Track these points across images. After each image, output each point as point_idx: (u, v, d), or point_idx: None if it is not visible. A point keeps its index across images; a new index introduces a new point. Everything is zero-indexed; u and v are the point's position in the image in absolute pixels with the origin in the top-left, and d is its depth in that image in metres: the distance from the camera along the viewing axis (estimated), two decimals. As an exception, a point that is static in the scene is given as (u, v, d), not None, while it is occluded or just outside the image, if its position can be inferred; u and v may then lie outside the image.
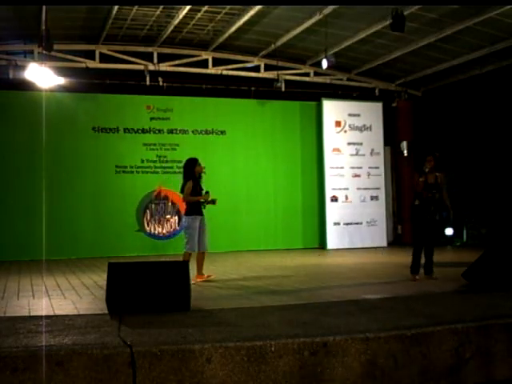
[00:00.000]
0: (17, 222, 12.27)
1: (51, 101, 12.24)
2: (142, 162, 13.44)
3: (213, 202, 8.22)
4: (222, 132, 14.08)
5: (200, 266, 8.09)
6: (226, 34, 12.34)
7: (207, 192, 8.24)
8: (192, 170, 8.27)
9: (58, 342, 3.96)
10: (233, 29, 11.96)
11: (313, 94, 14.68)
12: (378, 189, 14.88)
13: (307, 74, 14.46)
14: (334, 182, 14.49)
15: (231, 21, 11.74)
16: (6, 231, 12.13)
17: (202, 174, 8.44)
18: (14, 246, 12.05)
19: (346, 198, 14.57)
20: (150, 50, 13.22)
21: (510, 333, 4.52)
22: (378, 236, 14.63)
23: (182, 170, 8.63)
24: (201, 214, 8.19)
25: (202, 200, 8.22)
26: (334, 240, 14.25)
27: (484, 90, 13.85)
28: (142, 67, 13.26)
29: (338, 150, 14.60)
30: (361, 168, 14.69)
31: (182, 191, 8.34)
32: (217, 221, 13.07)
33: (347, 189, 14.56)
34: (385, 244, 14.65)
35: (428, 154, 8.13)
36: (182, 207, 9.89)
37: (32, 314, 5.45)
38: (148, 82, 13.30)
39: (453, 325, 4.42)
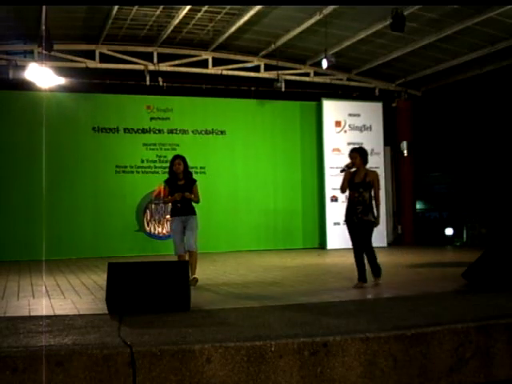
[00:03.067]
0: (17, 222, 12.28)
1: (51, 101, 12.24)
2: (142, 162, 13.45)
3: (180, 199, 7.65)
4: (222, 132, 14.08)
5: (193, 267, 7.56)
6: (226, 34, 12.34)
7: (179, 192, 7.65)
8: (169, 170, 7.91)
9: (57, 342, 3.96)
10: (233, 29, 11.97)
11: (313, 94, 14.69)
12: (378, 189, 14.85)
13: (307, 74, 14.47)
14: (334, 182, 14.43)
15: (231, 21, 11.75)
16: (6, 231, 12.14)
17: (178, 172, 7.75)
18: (13, 246, 12.06)
19: (346, 198, 14.54)
20: (150, 49, 13.22)
21: (510, 333, 4.51)
22: (377, 236, 14.38)
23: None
24: (177, 214, 7.75)
25: (167, 200, 7.89)
26: (334, 240, 14.23)
27: (484, 90, 13.86)
28: (142, 67, 13.27)
29: (337, 149, 14.60)
30: (361, 168, 14.67)
31: None
32: (217, 221, 13.14)
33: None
34: (385, 244, 14.64)
35: (355, 149, 7.45)
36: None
37: (32, 314, 5.44)
38: (148, 82, 13.31)
39: (453, 325, 4.41)
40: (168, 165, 13.57)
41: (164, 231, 13.46)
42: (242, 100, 14.23)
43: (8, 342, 3.94)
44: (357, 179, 7.20)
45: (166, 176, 8.15)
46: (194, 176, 8.18)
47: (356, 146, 7.55)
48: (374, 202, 7.19)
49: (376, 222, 7.12)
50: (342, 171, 7.42)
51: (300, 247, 14.24)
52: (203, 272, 8.74)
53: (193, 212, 7.78)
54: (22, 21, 11.20)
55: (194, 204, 7.83)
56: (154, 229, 13.47)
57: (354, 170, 7.26)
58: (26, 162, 12.40)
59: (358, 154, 7.27)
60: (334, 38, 12.18)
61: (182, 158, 7.85)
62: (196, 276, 7.57)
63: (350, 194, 7.29)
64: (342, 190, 7.43)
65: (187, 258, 7.60)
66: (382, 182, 14.83)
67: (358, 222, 7.13)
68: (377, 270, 7.20)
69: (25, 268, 10.24)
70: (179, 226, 7.71)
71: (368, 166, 15.44)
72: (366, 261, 7.21)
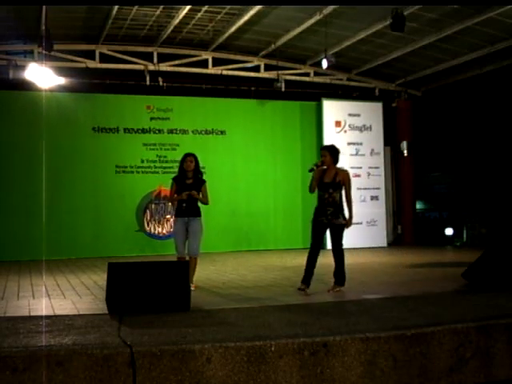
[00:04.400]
0: (17, 222, 12.26)
1: (51, 101, 12.23)
2: (142, 162, 13.45)
3: (187, 198, 7.33)
4: (222, 132, 14.08)
5: (191, 273, 7.00)
6: (226, 34, 12.34)
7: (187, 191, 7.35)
8: (180, 168, 7.61)
9: (57, 342, 3.96)
10: (233, 29, 11.96)
11: (313, 94, 14.68)
12: (378, 189, 14.88)
13: (307, 74, 14.46)
14: (333, 182, 14.47)
15: (231, 21, 11.74)
16: (5, 231, 12.14)
17: (188, 170, 7.48)
18: (13, 246, 12.05)
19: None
20: (150, 49, 13.22)
21: (510, 333, 4.51)
22: (378, 236, 14.62)
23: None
24: (181, 215, 7.40)
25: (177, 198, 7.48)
26: (334, 240, 14.23)
27: (484, 90, 13.86)
28: (142, 67, 13.26)
29: (337, 150, 14.59)
30: (361, 168, 14.68)
31: None
32: (217, 221, 13.12)
33: (347, 189, 14.54)
34: (385, 244, 14.65)
35: (325, 147, 7.05)
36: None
37: (32, 314, 5.45)
38: (148, 82, 13.30)
39: (453, 325, 4.41)
40: (168, 165, 13.65)
41: (164, 231, 13.46)
42: (241, 100, 14.22)
43: (8, 342, 3.94)
44: (326, 179, 6.85)
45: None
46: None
47: (327, 144, 7.15)
48: (344, 203, 6.89)
49: (348, 224, 6.83)
50: (310, 171, 7.09)
51: (300, 247, 14.20)
52: (203, 272, 8.75)
53: (197, 213, 7.44)
54: (22, 21, 11.20)
55: (199, 205, 7.52)
56: (154, 229, 13.47)
57: (324, 167, 6.92)
58: (26, 162, 12.39)
59: (328, 153, 6.89)
60: (334, 38, 12.17)
61: (194, 157, 7.55)
62: (193, 284, 7.07)
63: (319, 195, 6.93)
64: (311, 189, 7.01)
65: (187, 258, 7.34)
66: (382, 182, 14.99)
67: (328, 223, 6.80)
68: (342, 277, 6.86)
69: (25, 268, 10.24)
70: (181, 228, 7.39)
71: (367, 165, 15.24)
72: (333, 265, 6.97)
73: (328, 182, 6.83)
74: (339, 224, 6.80)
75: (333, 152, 6.94)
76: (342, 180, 6.84)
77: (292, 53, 13.66)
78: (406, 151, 15.48)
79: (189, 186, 7.41)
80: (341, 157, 15.53)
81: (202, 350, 3.84)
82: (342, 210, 6.86)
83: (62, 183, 12.68)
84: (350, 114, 14.75)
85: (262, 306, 5.69)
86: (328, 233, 6.96)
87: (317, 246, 6.87)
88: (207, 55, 13.55)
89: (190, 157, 7.53)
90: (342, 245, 6.88)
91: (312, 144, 14.69)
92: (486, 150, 14.26)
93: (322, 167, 6.92)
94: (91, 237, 12.86)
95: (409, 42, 12.41)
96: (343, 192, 6.91)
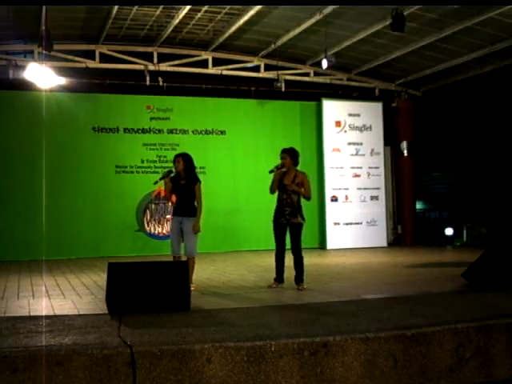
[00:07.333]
0: (17, 222, 12.26)
1: (51, 101, 12.24)
2: (142, 162, 13.45)
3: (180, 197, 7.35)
4: (222, 132, 14.09)
5: (189, 272, 6.85)
6: (226, 34, 12.34)
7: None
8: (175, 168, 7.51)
9: (57, 342, 3.96)
10: (233, 29, 11.96)
11: (313, 94, 14.68)
12: (377, 189, 14.88)
13: (307, 74, 14.46)
14: (334, 182, 14.49)
15: (231, 21, 11.75)
16: (5, 231, 12.13)
17: (178, 171, 7.42)
18: (14, 246, 12.05)
19: (346, 197, 14.57)
20: (150, 49, 13.22)
21: (510, 333, 4.51)
22: (378, 236, 14.63)
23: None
24: (174, 213, 7.37)
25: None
26: (334, 240, 14.25)
27: (484, 90, 13.88)
28: (142, 67, 13.26)
29: (337, 149, 14.61)
30: (361, 168, 14.69)
31: None
32: (216, 221, 13.13)
33: (347, 189, 14.56)
34: (385, 244, 14.65)
35: (285, 150, 7.27)
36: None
37: (32, 314, 5.45)
38: (148, 82, 13.29)
39: (453, 325, 4.41)
40: (168, 165, 13.54)
41: (164, 231, 13.46)
42: (241, 100, 14.22)
43: (8, 342, 3.95)
44: (286, 181, 7.15)
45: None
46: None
47: (287, 147, 7.38)
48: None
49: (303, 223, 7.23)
50: (270, 172, 7.29)
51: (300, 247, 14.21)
52: (203, 272, 8.75)
53: (190, 214, 7.26)
54: (22, 21, 11.20)
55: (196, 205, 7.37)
56: (154, 229, 13.47)
57: (284, 170, 7.19)
58: (26, 162, 12.39)
59: (288, 155, 7.19)
60: (334, 38, 12.17)
61: (183, 156, 7.40)
62: (193, 284, 6.95)
63: (279, 195, 7.23)
64: (271, 190, 7.27)
65: (183, 259, 7.20)
66: (382, 182, 15.00)
67: (287, 223, 7.18)
68: (301, 275, 7.16)
69: (25, 268, 10.24)
70: (176, 227, 7.31)
71: (367, 165, 15.39)
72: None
73: (288, 184, 7.13)
74: (297, 223, 7.17)
75: (293, 155, 7.24)
76: (301, 182, 7.17)
77: (292, 53, 13.66)
78: (405, 151, 15.49)
79: (182, 187, 7.33)
80: (340, 157, 15.59)
81: (202, 349, 3.84)
82: (300, 209, 7.21)
83: (61, 183, 12.67)
84: (350, 114, 14.75)
85: (262, 306, 5.69)
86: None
87: (281, 246, 7.34)
88: (207, 55, 13.54)
89: (177, 158, 7.43)
90: (300, 244, 7.27)
91: (312, 144, 14.69)
92: (486, 149, 14.27)
93: (282, 169, 7.20)
94: (91, 237, 12.85)
95: (409, 42, 12.41)
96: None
